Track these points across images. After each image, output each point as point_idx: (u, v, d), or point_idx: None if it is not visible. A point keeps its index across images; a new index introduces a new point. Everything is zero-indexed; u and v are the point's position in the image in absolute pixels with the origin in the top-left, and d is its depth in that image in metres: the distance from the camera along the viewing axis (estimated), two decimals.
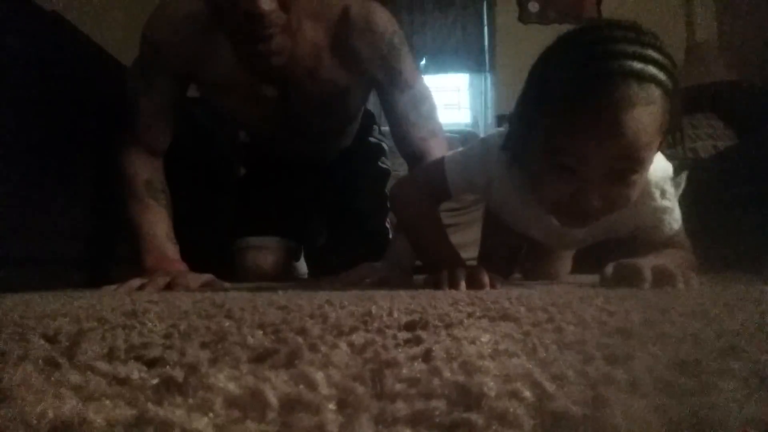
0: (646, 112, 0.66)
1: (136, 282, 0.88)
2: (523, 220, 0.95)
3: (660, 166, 0.83)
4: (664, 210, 0.86)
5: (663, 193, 0.85)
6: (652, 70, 0.66)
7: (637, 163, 0.69)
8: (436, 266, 0.82)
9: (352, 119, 1.32)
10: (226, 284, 0.97)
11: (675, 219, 0.88)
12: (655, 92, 0.66)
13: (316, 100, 1.10)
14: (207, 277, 0.95)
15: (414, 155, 1.11)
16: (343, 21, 1.03)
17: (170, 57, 1.05)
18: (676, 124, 0.72)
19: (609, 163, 0.68)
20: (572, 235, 0.92)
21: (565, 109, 0.68)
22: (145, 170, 1.08)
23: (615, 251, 0.87)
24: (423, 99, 1.13)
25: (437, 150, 1.09)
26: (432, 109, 1.15)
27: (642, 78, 0.65)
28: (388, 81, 1.10)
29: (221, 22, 0.93)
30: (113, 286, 0.87)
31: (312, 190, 1.40)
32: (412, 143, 1.11)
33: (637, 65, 0.65)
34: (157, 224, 1.04)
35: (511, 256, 1.29)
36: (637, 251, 0.86)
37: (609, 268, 0.74)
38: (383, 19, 1.07)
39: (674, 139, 0.74)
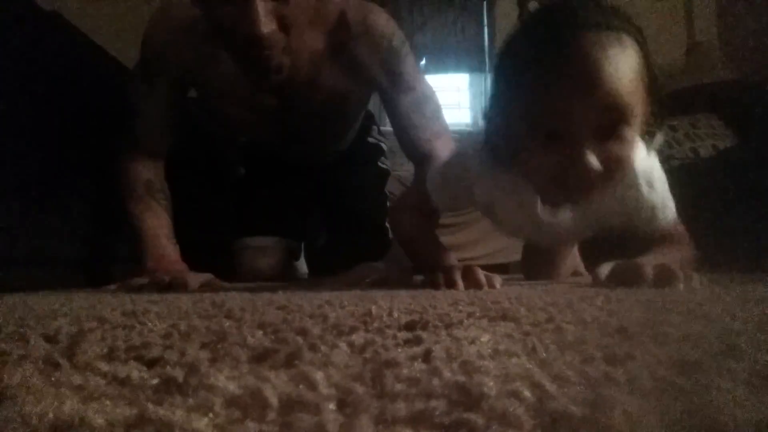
0: (621, 56, 0.65)
1: (136, 281, 0.88)
2: (511, 220, 0.92)
3: (644, 156, 0.80)
4: (653, 206, 0.82)
5: (650, 185, 0.81)
6: (617, 21, 0.66)
7: (622, 112, 0.66)
8: (432, 268, 0.82)
9: (353, 122, 1.32)
10: (226, 284, 0.97)
11: (670, 211, 0.84)
12: (626, 39, 0.66)
13: (316, 107, 1.10)
14: (207, 276, 0.96)
15: (419, 157, 1.10)
16: (341, 26, 1.02)
17: (170, 61, 1.04)
18: (658, 93, 0.70)
19: (594, 115, 0.65)
20: (562, 228, 0.88)
21: (537, 68, 0.67)
22: (145, 172, 1.08)
23: (614, 251, 0.86)
24: (426, 100, 1.11)
25: (443, 150, 1.08)
26: (436, 109, 1.13)
27: (609, 27, 0.65)
28: (390, 84, 1.08)
29: (220, 38, 0.93)
30: (113, 286, 0.87)
31: (312, 191, 1.40)
32: (417, 145, 1.09)
33: (601, 17, 0.66)
34: (158, 225, 1.04)
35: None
36: (636, 248, 0.83)
37: (603, 268, 0.72)
38: (381, 21, 1.05)
39: (659, 111, 0.72)
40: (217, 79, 1.06)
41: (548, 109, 0.67)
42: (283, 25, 0.89)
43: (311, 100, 1.07)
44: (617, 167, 0.69)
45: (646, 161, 0.80)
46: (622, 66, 0.65)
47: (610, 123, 0.66)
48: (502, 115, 0.77)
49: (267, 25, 0.86)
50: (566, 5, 0.69)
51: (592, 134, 0.66)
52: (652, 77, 0.69)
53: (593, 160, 0.66)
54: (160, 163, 1.12)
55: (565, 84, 0.65)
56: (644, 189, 0.80)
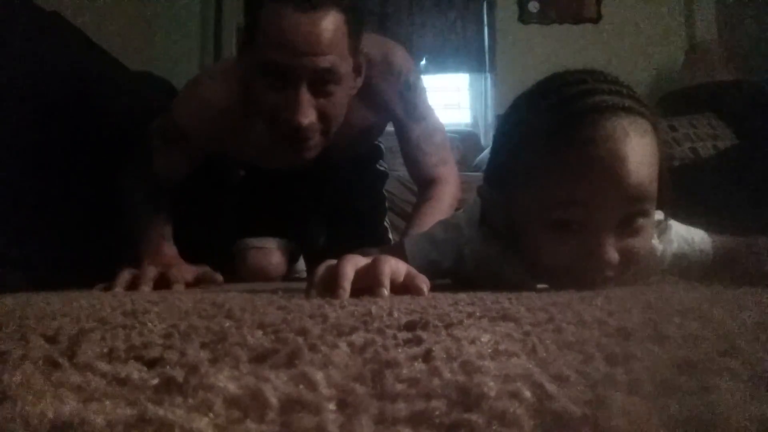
0: (643, 143, 0.61)
1: (126, 275, 0.87)
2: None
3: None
4: (682, 255, 0.76)
5: (666, 251, 0.74)
6: (632, 103, 0.62)
7: (645, 201, 0.62)
8: None
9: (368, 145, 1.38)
10: (219, 276, 0.97)
11: (701, 252, 0.77)
12: (644, 124, 0.62)
13: (343, 143, 1.16)
14: (201, 268, 0.96)
15: (427, 181, 1.19)
16: (366, 64, 1.08)
17: (198, 142, 1.09)
18: (666, 179, 0.65)
19: (619, 208, 0.61)
20: None
21: (555, 152, 0.61)
22: (147, 182, 1.10)
23: None
24: (436, 130, 1.21)
25: (449, 177, 1.19)
26: (444, 139, 1.24)
27: (627, 110, 0.61)
28: (405, 114, 1.18)
29: (258, 117, 1.00)
30: (105, 284, 0.86)
31: (311, 192, 1.41)
32: (425, 170, 1.20)
33: (617, 99, 0.61)
34: (155, 226, 1.05)
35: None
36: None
37: None
38: (400, 58, 1.15)
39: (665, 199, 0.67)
40: (248, 149, 1.12)
41: (568, 198, 0.61)
42: (323, 116, 0.97)
43: (339, 139, 1.11)
44: (635, 259, 0.64)
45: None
46: (645, 154, 0.61)
47: (631, 214, 0.62)
48: (505, 192, 0.70)
49: (307, 117, 0.93)
50: (583, 79, 0.63)
51: (613, 226, 0.62)
52: (663, 162, 0.65)
53: (612, 253, 0.61)
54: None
55: (591, 173, 0.60)
56: (663, 254, 0.74)
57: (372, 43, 1.11)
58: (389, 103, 1.16)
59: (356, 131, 1.18)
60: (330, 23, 0.90)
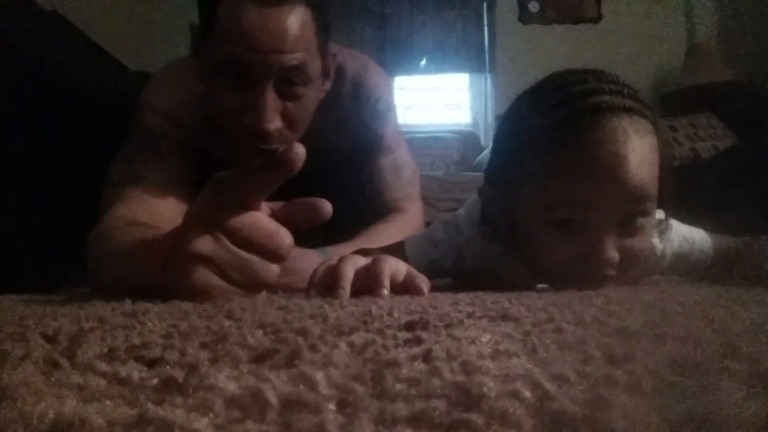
0: (643, 143, 0.61)
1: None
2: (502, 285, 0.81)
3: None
4: (683, 254, 0.77)
5: (666, 250, 0.76)
6: (632, 103, 0.62)
7: (645, 201, 0.62)
8: None
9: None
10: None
11: (701, 252, 0.78)
12: (645, 124, 0.62)
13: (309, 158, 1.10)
14: None
15: (386, 213, 1.05)
16: (337, 82, 1.01)
17: (186, 128, 0.96)
18: (668, 178, 0.66)
19: (620, 208, 0.61)
20: None
21: (555, 152, 0.62)
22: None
23: None
24: (404, 165, 1.10)
25: (412, 211, 1.06)
26: (413, 176, 1.11)
27: (627, 110, 0.61)
28: (371, 143, 1.07)
29: (221, 122, 0.89)
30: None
31: (303, 191, 1.40)
32: (389, 204, 1.05)
33: (618, 99, 0.61)
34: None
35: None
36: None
37: None
38: (371, 82, 1.06)
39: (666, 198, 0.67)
40: (224, 146, 0.97)
41: (568, 198, 0.62)
42: (290, 122, 0.88)
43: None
44: (635, 259, 0.64)
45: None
46: (645, 154, 0.61)
47: (632, 214, 0.62)
48: (506, 192, 0.70)
49: (273, 122, 0.84)
50: (584, 79, 0.64)
51: (614, 226, 0.62)
52: (665, 163, 0.66)
53: (613, 253, 0.62)
54: None
55: (592, 174, 0.60)
56: (664, 254, 0.75)
57: (347, 58, 1.04)
58: (354, 126, 1.06)
59: (319, 153, 1.11)
60: (297, 18, 0.81)
